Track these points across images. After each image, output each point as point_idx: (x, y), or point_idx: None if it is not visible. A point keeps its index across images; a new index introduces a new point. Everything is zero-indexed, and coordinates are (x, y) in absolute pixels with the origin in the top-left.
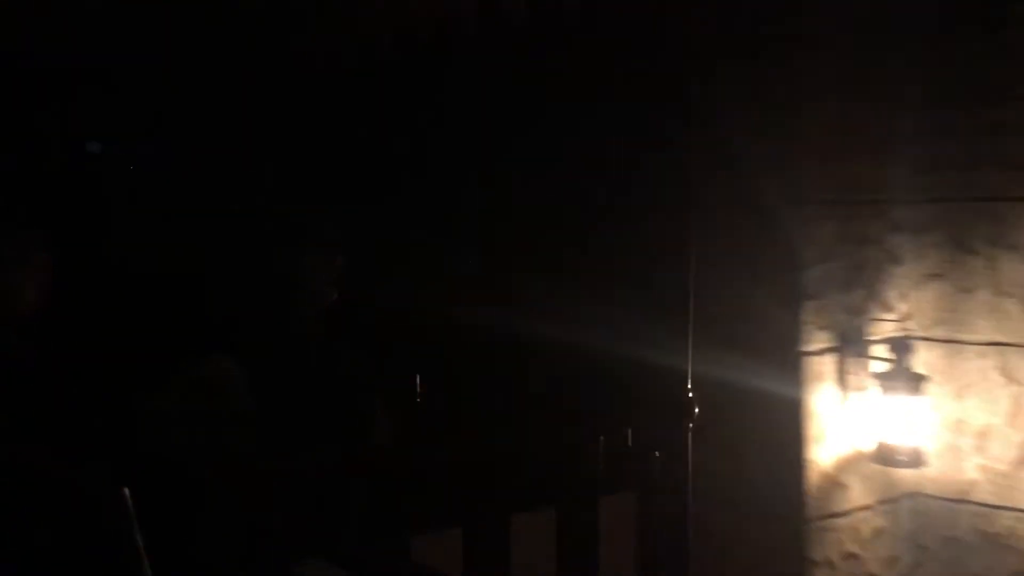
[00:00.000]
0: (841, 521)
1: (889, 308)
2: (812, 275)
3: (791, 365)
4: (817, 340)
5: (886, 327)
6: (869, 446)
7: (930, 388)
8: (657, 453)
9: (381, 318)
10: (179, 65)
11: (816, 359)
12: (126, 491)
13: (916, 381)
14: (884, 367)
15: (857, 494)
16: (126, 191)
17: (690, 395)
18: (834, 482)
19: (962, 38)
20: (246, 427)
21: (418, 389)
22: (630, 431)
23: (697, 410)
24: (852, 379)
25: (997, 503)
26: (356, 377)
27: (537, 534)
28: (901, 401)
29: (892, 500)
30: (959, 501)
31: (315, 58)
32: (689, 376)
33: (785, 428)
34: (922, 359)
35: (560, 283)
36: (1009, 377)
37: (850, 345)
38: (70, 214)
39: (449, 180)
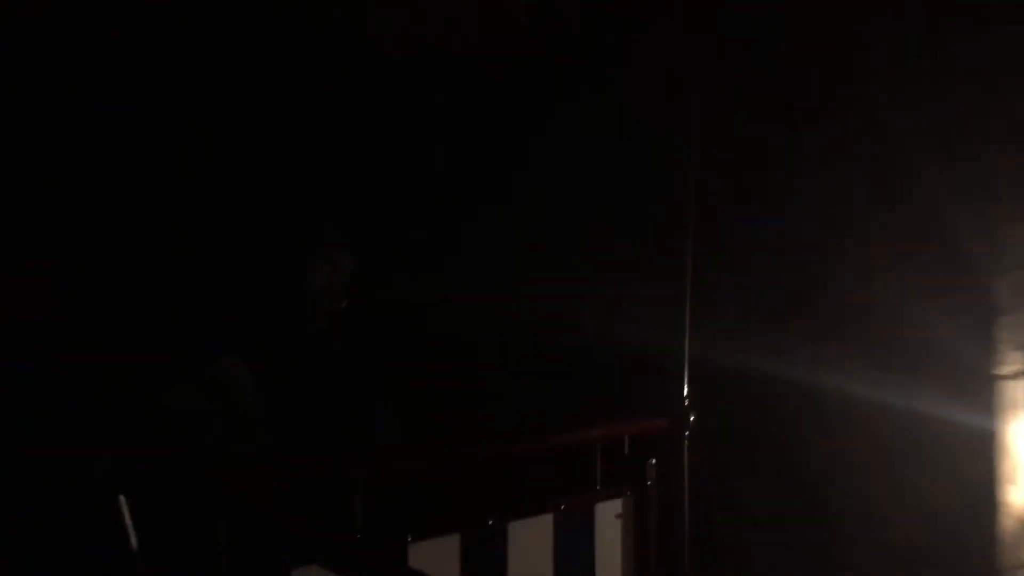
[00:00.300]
0: None
1: None
2: (1005, 286)
3: (982, 391)
4: (1012, 361)
5: None
6: None
7: None
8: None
9: (378, 319)
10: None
11: (1011, 384)
12: (123, 498)
13: None
14: None
15: None
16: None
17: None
18: None
19: None
20: (253, 428)
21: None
22: (627, 437)
23: (693, 417)
24: None
25: None
26: (360, 379)
27: (534, 539)
28: None
29: None
30: None
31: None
32: (686, 380)
33: (975, 465)
34: None
35: (561, 286)
36: None
37: None
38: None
39: (450, 177)
